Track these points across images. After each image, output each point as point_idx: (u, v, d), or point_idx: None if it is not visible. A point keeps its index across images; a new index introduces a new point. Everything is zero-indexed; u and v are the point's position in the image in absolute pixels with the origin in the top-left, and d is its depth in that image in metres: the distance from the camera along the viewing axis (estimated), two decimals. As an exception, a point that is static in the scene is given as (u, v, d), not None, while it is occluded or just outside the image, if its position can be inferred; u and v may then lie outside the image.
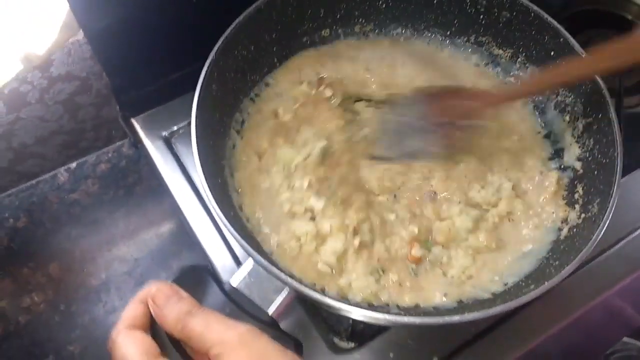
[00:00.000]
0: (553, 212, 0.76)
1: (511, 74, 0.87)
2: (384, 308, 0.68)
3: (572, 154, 0.79)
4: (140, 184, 1.12)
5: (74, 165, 1.08)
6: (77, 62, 0.94)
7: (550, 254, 0.72)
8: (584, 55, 0.75)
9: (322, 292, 0.66)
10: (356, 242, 0.71)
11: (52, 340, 0.97)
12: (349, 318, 0.76)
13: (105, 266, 1.05)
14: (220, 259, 0.81)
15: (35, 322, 0.98)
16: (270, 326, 0.61)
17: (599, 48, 0.66)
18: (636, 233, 0.85)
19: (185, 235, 1.08)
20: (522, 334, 0.78)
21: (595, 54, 0.69)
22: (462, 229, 0.74)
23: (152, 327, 0.57)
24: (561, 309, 0.79)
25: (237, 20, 0.75)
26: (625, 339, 1.12)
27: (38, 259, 1.04)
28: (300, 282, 0.61)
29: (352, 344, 0.76)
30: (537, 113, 0.85)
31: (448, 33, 0.89)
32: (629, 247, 0.84)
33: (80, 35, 0.90)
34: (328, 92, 0.83)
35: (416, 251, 0.72)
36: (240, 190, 0.75)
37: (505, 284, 0.71)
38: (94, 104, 1.03)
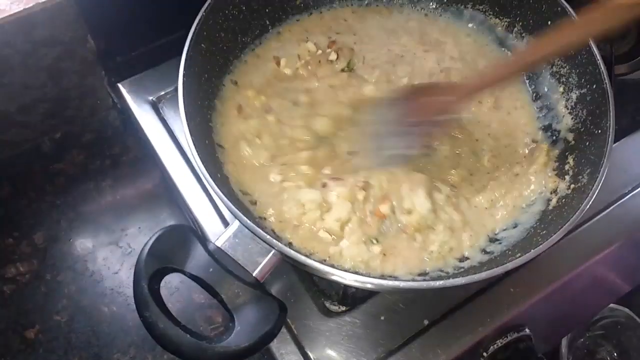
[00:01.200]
0: (542, 183, 0.76)
1: (507, 43, 0.86)
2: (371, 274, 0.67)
3: (565, 125, 0.78)
4: (126, 154, 1.11)
5: (58, 134, 1.06)
6: (61, 25, 0.91)
7: (538, 223, 0.72)
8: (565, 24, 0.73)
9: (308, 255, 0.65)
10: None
11: (38, 310, 0.96)
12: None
13: (91, 236, 1.03)
14: (207, 220, 0.81)
15: (20, 292, 0.97)
16: (254, 287, 0.60)
17: (580, 17, 0.65)
18: (622, 200, 0.86)
19: (172, 206, 1.06)
20: (511, 298, 0.78)
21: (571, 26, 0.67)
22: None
23: None
24: (548, 275, 0.80)
25: (227, -22, 0.73)
26: (612, 305, 1.13)
27: (23, 228, 1.03)
28: (288, 245, 0.60)
29: (343, 308, 0.76)
30: (529, 84, 0.84)
31: (444, 1, 0.88)
32: (615, 215, 0.85)
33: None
34: (333, 56, 0.83)
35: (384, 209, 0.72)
36: (227, 152, 0.74)
37: (492, 253, 0.70)
38: (78, 72, 1.00)
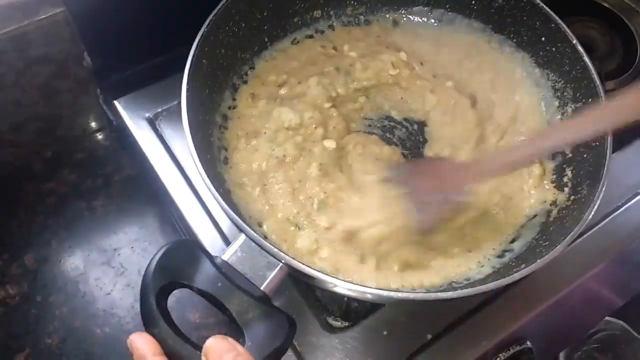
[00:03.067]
0: (541, 196, 0.76)
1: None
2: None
3: (562, 137, 0.79)
4: (119, 173, 1.10)
5: (49, 153, 1.05)
6: (55, 43, 0.91)
7: (539, 235, 0.72)
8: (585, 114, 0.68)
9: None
10: None
11: (29, 333, 0.94)
12: (343, 296, 0.75)
13: (83, 256, 1.01)
14: (208, 239, 0.79)
15: (10, 314, 0.94)
16: (262, 302, 0.59)
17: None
18: (617, 212, 0.86)
19: (165, 225, 1.05)
20: (512, 311, 0.78)
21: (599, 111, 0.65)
22: None
23: None
24: (548, 288, 0.80)
25: (228, -3, 0.74)
26: (607, 318, 1.14)
27: (12, 250, 1.01)
28: (294, 257, 0.60)
29: (345, 323, 0.75)
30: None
31: (440, 18, 0.89)
32: (610, 227, 0.85)
33: (59, 15, 0.88)
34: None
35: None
36: (231, 167, 0.74)
37: (494, 267, 0.71)
38: (71, 90, 1.00)
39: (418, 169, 0.73)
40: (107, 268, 1.03)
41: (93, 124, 1.08)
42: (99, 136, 1.09)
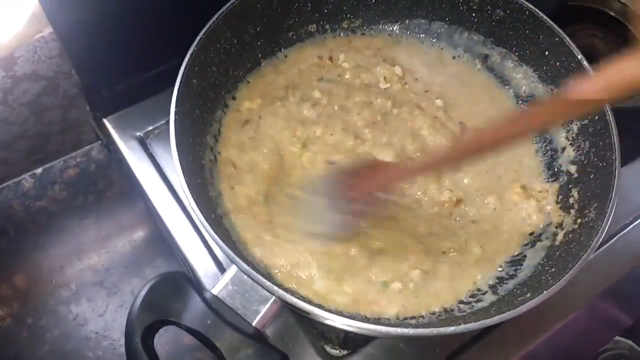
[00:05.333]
0: (544, 218, 0.74)
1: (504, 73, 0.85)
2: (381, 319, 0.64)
3: (566, 157, 0.76)
4: (111, 189, 1.08)
5: (39, 170, 1.03)
6: (44, 60, 0.88)
7: (545, 260, 0.69)
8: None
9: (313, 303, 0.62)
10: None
11: (19, 356, 0.92)
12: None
13: (75, 276, 0.99)
14: (201, 266, 0.76)
15: (1, 337, 0.92)
16: (254, 339, 0.56)
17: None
18: (625, 230, 0.83)
19: (159, 242, 1.03)
20: (518, 337, 0.75)
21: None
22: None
23: None
24: (555, 312, 0.77)
25: (220, 11, 0.71)
26: (616, 337, 1.12)
27: (2, 270, 0.99)
28: (289, 290, 0.57)
29: (344, 351, 0.73)
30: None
31: (439, 31, 0.86)
32: (618, 246, 0.82)
33: (47, 31, 0.85)
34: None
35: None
36: (221, 192, 0.71)
37: (499, 292, 0.68)
38: (61, 106, 0.97)
39: (347, 173, 0.71)
40: (100, 288, 1.01)
41: (84, 139, 1.06)
42: (91, 151, 1.06)
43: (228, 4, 0.72)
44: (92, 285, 1.00)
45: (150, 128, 0.86)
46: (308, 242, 0.68)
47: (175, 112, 0.64)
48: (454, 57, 0.87)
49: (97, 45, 0.79)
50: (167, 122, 0.85)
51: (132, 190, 1.06)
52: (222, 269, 0.76)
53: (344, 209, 0.68)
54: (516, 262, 0.71)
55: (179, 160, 0.61)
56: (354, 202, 0.68)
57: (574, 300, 0.78)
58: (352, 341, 0.73)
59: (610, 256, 0.81)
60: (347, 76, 0.84)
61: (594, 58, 0.77)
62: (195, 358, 0.95)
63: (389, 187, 0.70)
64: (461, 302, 0.68)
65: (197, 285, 0.57)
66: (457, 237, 0.73)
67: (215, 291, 0.57)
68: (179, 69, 0.68)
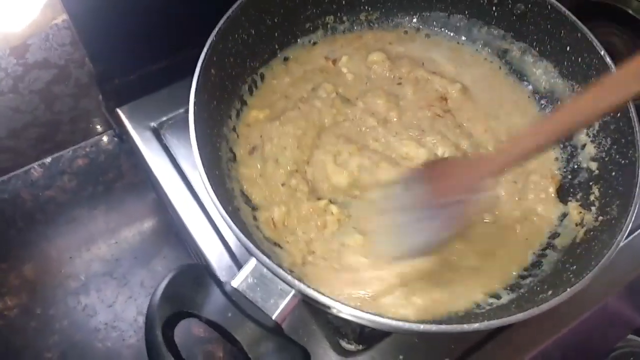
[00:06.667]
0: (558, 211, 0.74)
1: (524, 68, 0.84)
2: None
3: (587, 153, 0.75)
4: (120, 180, 1.07)
5: (48, 160, 1.02)
6: (56, 48, 0.87)
7: (565, 257, 0.68)
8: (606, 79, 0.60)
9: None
10: None
11: (28, 346, 0.92)
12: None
13: (84, 267, 0.99)
14: (216, 258, 0.76)
15: (9, 327, 0.92)
16: (274, 333, 0.55)
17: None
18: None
19: (168, 233, 1.02)
20: (531, 335, 0.75)
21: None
22: None
23: None
24: (572, 308, 0.76)
25: (239, 1, 0.70)
26: (629, 335, 1.11)
27: (11, 260, 0.98)
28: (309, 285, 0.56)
29: (359, 346, 0.72)
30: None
31: (458, 25, 0.85)
32: (635, 244, 0.81)
33: (60, 19, 0.84)
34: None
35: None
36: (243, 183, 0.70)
37: (520, 289, 0.67)
38: (72, 95, 0.96)
39: (426, 174, 0.66)
40: (109, 279, 1.00)
41: (94, 129, 1.05)
42: (101, 141, 1.05)
43: (246, -6, 0.71)
44: (101, 275, 0.99)
45: (165, 119, 0.85)
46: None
47: (195, 103, 0.63)
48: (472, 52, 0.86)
49: (112, 33, 0.79)
50: (182, 112, 0.85)
51: (142, 180, 1.05)
52: (236, 261, 0.75)
53: (434, 215, 0.62)
54: (536, 261, 0.71)
55: (199, 152, 0.61)
56: (444, 206, 0.62)
57: (588, 298, 0.78)
58: (368, 336, 0.73)
59: (629, 254, 0.80)
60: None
61: (611, 55, 0.76)
62: (206, 350, 0.94)
63: (482, 186, 0.61)
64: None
65: (217, 278, 0.57)
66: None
67: (235, 284, 0.57)
68: (193, 59, 0.67)
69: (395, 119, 0.78)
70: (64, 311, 0.95)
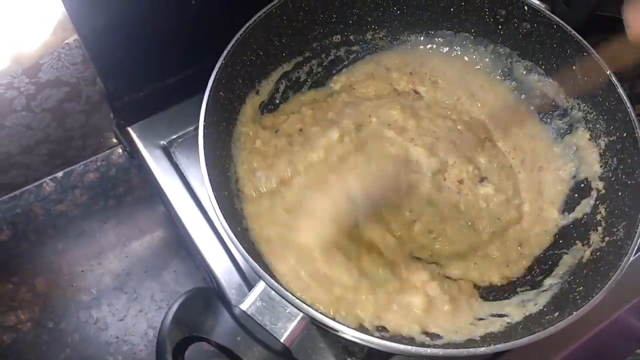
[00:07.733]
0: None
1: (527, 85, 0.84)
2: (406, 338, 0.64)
3: (594, 172, 0.75)
4: (131, 194, 1.08)
5: (60, 174, 1.03)
6: (67, 67, 0.89)
7: (572, 278, 0.69)
8: None
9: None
10: None
11: (39, 360, 0.92)
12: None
13: (95, 280, 1.00)
14: (226, 277, 0.76)
15: (21, 341, 0.93)
16: (283, 356, 0.56)
17: None
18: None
19: (178, 246, 1.03)
20: (540, 353, 0.75)
21: None
22: None
23: None
24: (582, 325, 0.76)
25: (247, 24, 0.71)
26: (638, 350, 1.11)
27: (23, 273, 0.99)
28: (316, 308, 0.57)
29: (367, 365, 0.72)
30: (556, 133, 0.82)
31: (464, 42, 0.85)
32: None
33: (71, 38, 0.85)
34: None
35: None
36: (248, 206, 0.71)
37: (527, 307, 0.67)
38: (83, 111, 0.98)
39: None
40: (120, 293, 1.01)
41: (105, 144, 1.06)
42: (111, 156, 1.06)
43: (255, 17, 0.72)
44: (112, 289, 1.00)
45: (174, 137, 0.86)
46: None
47: (204, 126, 0.64)
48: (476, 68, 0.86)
49: (121, 52, 0.80)
50: (191, 130, 0.86)
51: (151, 194, 1.06)
52: (245, 280, 0.76)
53: None
54: (538, 281, 0.71)
55: (208, 174, 0.61)
56: None
57: (598, 315, 0.78)
58: (376, 355, 0.73)
59: (637, 269, 0.80)
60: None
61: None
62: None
63: None
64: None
65: (226, 301, 0.58)
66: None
67: (244, 307, 0.57)
68: (200, 77, 0.68)
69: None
70: (76, 325, 0.96)
